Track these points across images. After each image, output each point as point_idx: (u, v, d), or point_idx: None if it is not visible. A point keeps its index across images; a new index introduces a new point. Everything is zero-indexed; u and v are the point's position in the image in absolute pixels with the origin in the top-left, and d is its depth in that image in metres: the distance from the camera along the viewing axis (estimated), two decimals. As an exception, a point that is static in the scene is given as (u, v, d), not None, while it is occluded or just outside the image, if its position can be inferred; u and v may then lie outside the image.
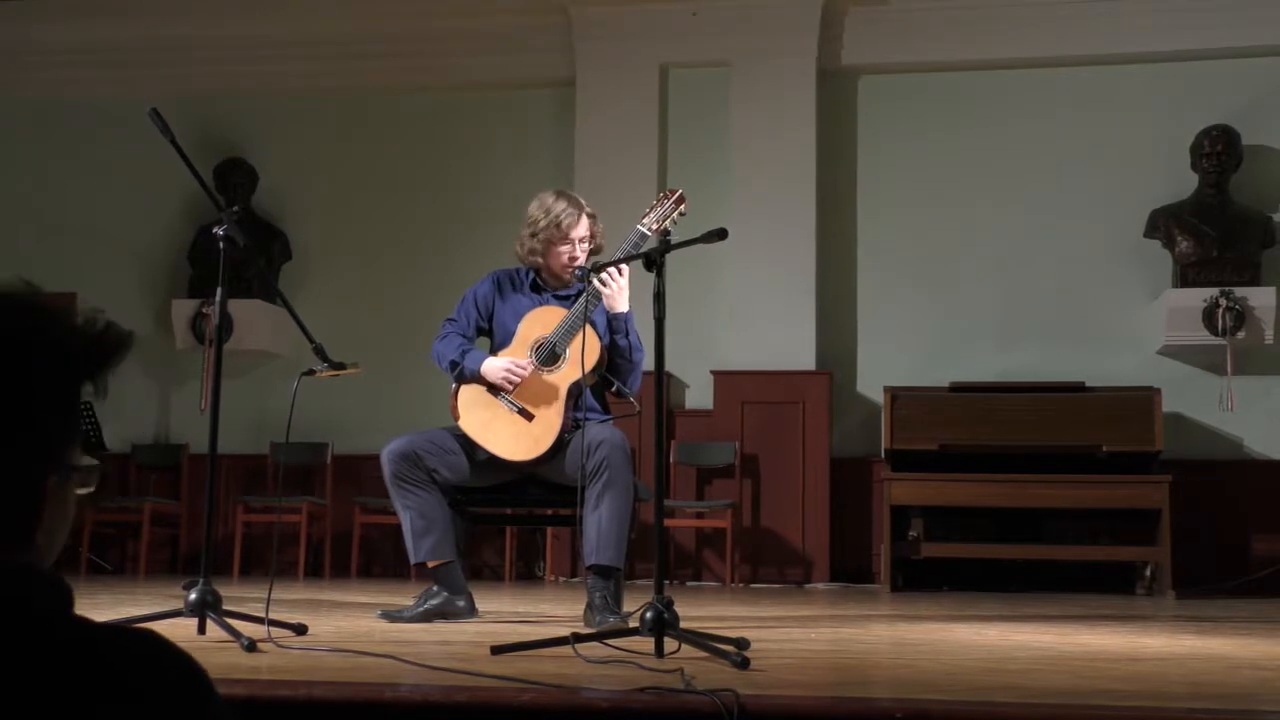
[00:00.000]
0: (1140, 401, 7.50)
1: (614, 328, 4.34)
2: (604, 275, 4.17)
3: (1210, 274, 7.88)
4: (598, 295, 4.25)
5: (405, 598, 4.76)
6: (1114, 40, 8.33)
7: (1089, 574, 7.60)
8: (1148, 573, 7.44)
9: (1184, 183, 8.12)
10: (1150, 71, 8.37)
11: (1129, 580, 7.58)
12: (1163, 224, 8.07)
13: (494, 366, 4.34)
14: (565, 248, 4.42)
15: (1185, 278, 7.97)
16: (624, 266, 4.18)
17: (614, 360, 4.40)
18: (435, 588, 4.33)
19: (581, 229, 4.43)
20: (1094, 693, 2.50)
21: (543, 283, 4.53)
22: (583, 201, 4.49)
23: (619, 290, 4.24)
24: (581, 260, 4.42)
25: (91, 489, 1.08)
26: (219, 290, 3.77)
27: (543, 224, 4.41)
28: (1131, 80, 8.39)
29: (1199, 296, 7.79)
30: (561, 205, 4.42)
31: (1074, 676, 2.82)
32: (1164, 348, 8.00)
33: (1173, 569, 7.17)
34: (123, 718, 0.92)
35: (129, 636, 0.98)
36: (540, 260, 4.47)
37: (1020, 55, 8.47)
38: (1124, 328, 8.19)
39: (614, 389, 4.43)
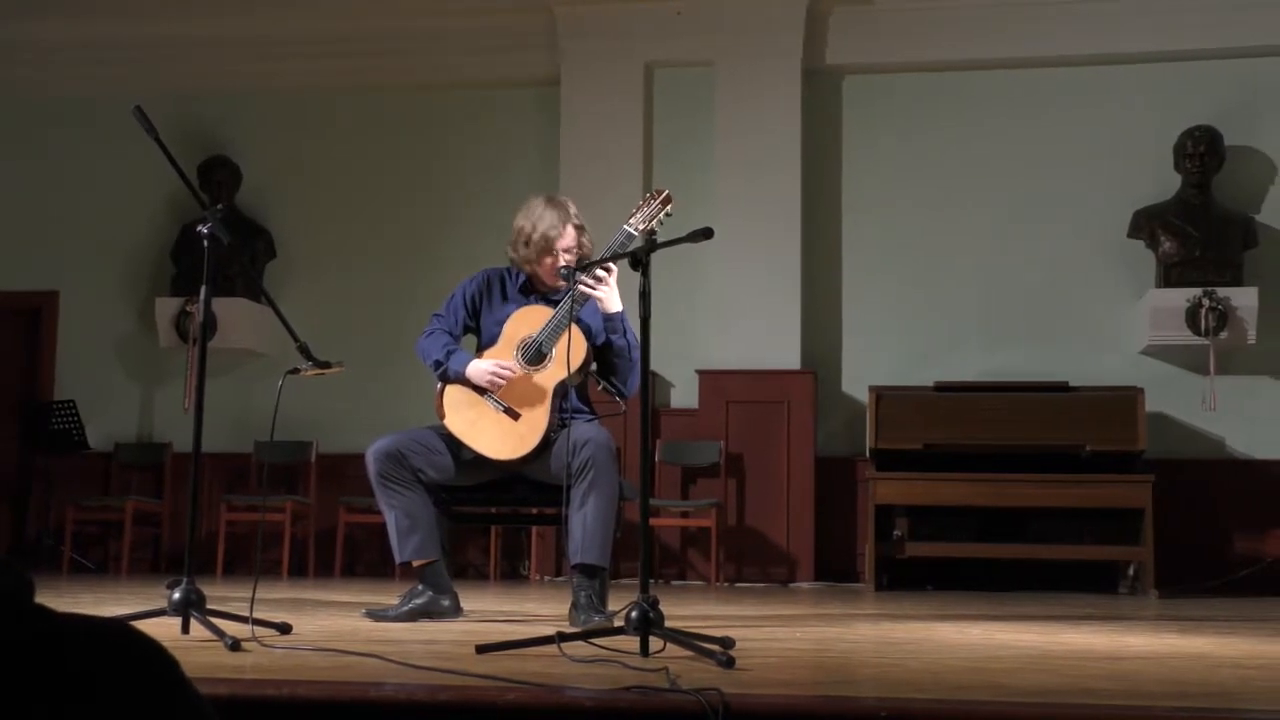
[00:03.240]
0: (1123, 401, 7.53)
1: (609, 327, 4.33)
2: (589, 278, 4.15)
3: (1193, 274, 7.91)
4: (584, 294, 4.24)
5: (390, 597, 4.75)
6: (1097, 41, 8.36)
7: (1072, 573, 7.63)
8: (1131, 572, 7.47)
9: (1167, 183, 8.15)
10: (1133, 72, 8.40)
11: (1112, 579, 7.61)
12: (1146, 224, 8.11)
13: (479, 369, 4.32)
14: (551, 260, 4.42)
15: (1168, 278, 8.00)
16: (611, 265, 4.17)
17: (611, 360, 4.38)
18: (420, 587, 4.32)
19: (567, 239, 4.41)
20: (1077, 691, 2.50)
21: (534, 285, 4.51)
22: (572, 211, 4.45)
23: (609, 290, 4.23)
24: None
25: None
26: (203, 288, 3.74)
27: (534, 238, 4.39)
28: (1115, 81, 8.42)
29: (1182, 296, 7.82)
30: (550, 218, 4.39)
31: (1057, 675, 2.83)
32: (1147, 348, 8.03)
33: (1155, 568, 7.21)
34: (90, 710, 0.90)
35: (96, 626, 0.96)
36: (532, 268, 4.47)
37: (1004, 55, 8.49)
38: (1107, 328, 8.22)
39: (601, 387, 4.43)
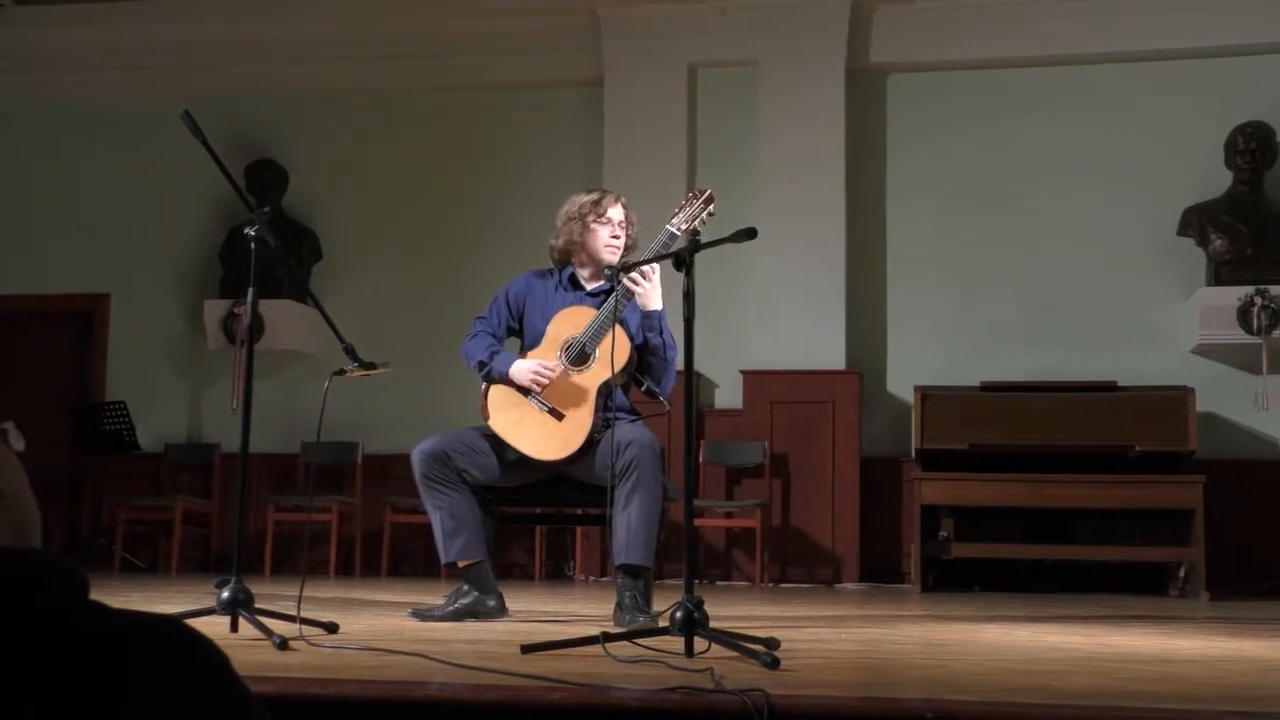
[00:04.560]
0: (1173, 401, 7.44)
1: (647, 325, 4.33)
2: (634, 274, 4.16)
3: (1245, 272, 7.81)
4: (628, 295, 4.24)
5: (435, 597, 4.77)
6: (1146, 36, 8.26)
7: (1121, 575, 7.55)
8: (1181, 574, 7.38)
9: (1218, 180, 8.05)
10: (1183, 68, 8.30)
11: (1161, 581, 7.52)
12: (1196, 222, 8.01)
13: (522, 369, 4.34)
14: (604, 227, 4.42)
15: (1219, 276, 7.90)
16: (654, 265, 4.17)
17: (646, 359, 4.38)
18: (465, 587, 4.34)
19: (618, 212, 4.45)
20: (1125, 694, 2.48)
21: (581, 280, 4.52)
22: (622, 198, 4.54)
23: (651, 288, 4.23)
24: (620, 245, 4.43)
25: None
26: (250, 290, 3.78)
27: (579, 204, 4.45)
28: (1164, 77, 8.32)
29: (1233, 295, 7.72)
30: (596, 194, 4.48)
31: (1105, 678, 2.80)
32: (1197, 346, 7.94)
33: (1206, 570, 7.11)
34: (143, 705, 0.92)
35: (149, 622, 0.97)
36: (578, 242, 4.46)
37: (1050, 52, 8.42)
38: (1157, 326, 8.13)
39: (644, 388, 4.42)
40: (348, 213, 9.18)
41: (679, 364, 3.99)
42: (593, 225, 4.42)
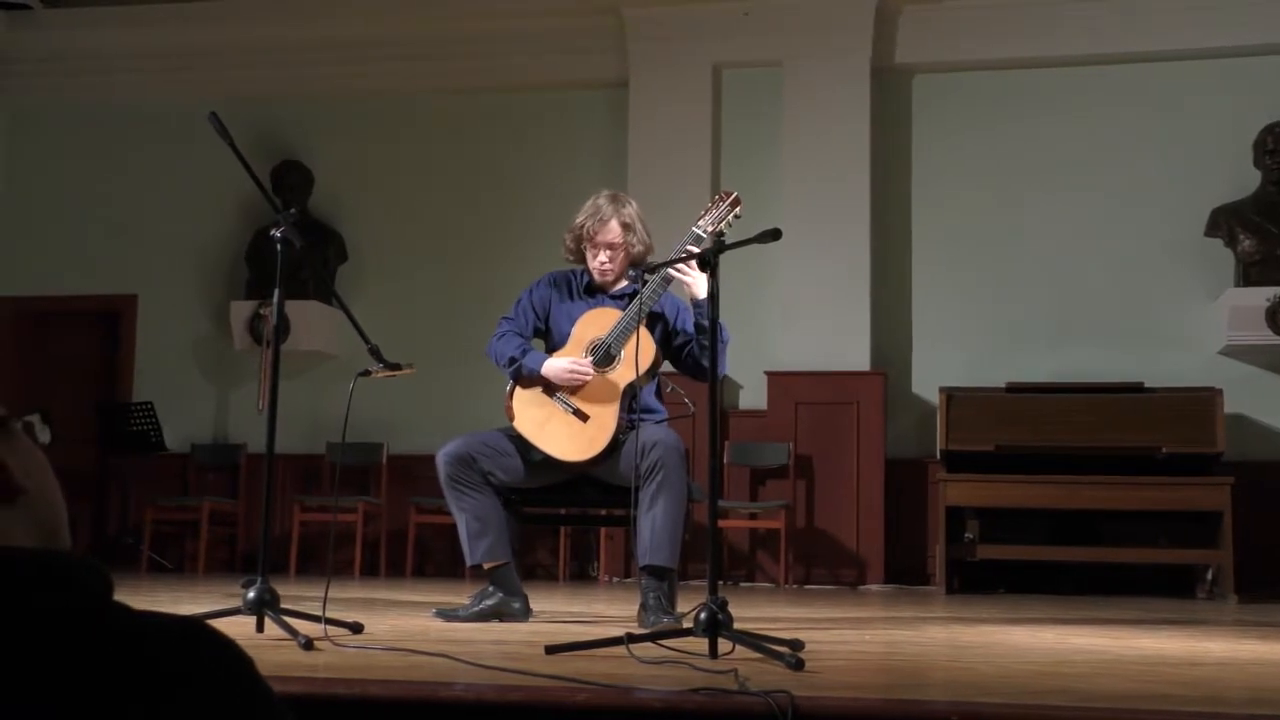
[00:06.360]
0: (1201, 402, 7.40)
1: (700, 314, 4.29)
2: (680, 266, 4.13)
3: (1273, 273, 7.76)
4: (655, 293, 4.25)
5: (460, 597, 4.78)
6: (1173, 36, 8.22)
7: (1148, 577, 7.50)
8: (1209, 576, 7.33)
9: (1246, 180, 8.00)
10: (1211, 67, 8.25)
11: (1189, 583, 7.48)
12: (1224, 222, 7.96)
13: (556, 366, 4.33)
14: (594, 252, 4.43)
15: (1248, 276, 7.85)
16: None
17: (703, 343, 4.34)
18: (490, 588, 4.35)
19: (608, 234, 4.42)
20: (1152, 697, 2.46)
21: (597, 286, 4.52)
22: (627, 210, 4.43)
23: (698, 278, 4.18)
24: (611, 268, 4.43)
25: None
26: (276, 292, 3.79)
27: (577, 223, 4.45)
28: (1192, 76, 8.28)
29: (1262, 295, 7.67)
30: (596, 211, 4.43)
31: (1132, 681, 2.79)
32: (1226, 348, 7.89)
33: (1235, 572, 7.07)
34: (164, 708, 0.92)
35: (172, 624, 0.98)
36: (578, 261, 4.50)
37: (1077, 52, 8.38)
38: (1184, 327, 8.08)
39: (669, 390, 4.41)
40: (373, 214, 9.21)
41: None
42: (585, 248, 4.44)
